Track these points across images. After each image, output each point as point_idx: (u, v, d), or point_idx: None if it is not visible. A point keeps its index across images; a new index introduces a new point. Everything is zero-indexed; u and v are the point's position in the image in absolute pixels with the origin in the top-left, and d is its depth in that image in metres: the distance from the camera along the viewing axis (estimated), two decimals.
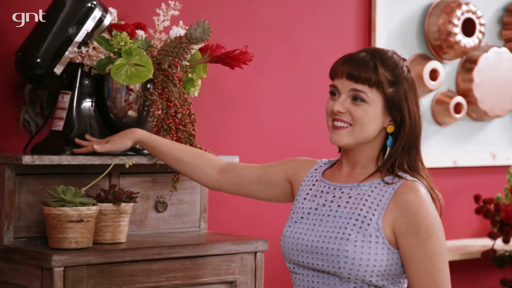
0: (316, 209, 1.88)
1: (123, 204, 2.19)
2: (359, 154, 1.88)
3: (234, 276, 2.26)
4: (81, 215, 2.06)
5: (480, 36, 3.37)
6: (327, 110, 1.89)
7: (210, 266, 2.22)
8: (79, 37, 2.25)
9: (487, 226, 3.49)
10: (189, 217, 2.44)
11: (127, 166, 2.20)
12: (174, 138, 2.29)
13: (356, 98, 1.83)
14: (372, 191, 1.83)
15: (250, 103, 2.90)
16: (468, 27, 3.35)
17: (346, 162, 1.91)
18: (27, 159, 2.10)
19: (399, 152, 1.85)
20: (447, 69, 3.41)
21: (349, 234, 1.79)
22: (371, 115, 1.83)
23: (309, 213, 1.89)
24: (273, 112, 2.95)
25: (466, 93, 3.42)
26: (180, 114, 2.29)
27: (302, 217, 1.89)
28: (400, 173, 1.84)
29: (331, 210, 1.86)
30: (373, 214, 1.79)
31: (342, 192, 1.87)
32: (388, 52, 1.87)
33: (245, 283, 2.28)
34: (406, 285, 1.85)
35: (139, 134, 2.19)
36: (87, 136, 2.25)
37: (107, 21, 2.29)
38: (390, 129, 1.86)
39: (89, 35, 2.27)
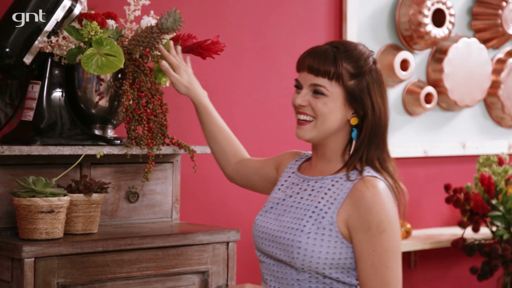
0: (284, 199, 1.91)
1: (94, 194, 2.18)
2: (325, 148, 1.89)
3: (206, 266, 2.26)
4: (52, 205, 2.05)
5: (450, 26, 3.39)
6: (292, 103, 1.90)
7: (182, 256, 2.22)
8: (49, 27, 2.23)
9: (457, 215, 3.52)
10: (161, 207, 2.44)
11: (98, 156, 2.19)
12: (146, 128, 2.28)
13: (316, 92, 1.84)
14: (333, 185, 1.84)
15: (221, 93, 2.89)
16: (438, 18, 3.37)
17: (315, 156, 1.93)
18: None
19: (365, 145, 1.85)
20: (417, 60, 3.43)
21: (304, 226, 1.81)
22: (331, 108, 1.83)
23: (277, 203, 1.92)
24: (245, 102, 2.96)
25: (437, 83, 3.44)
26: (152, 104, 2.29)
27: (271, 207, 1.92)
28: (366, 168, 1.83)
29: (294, 201, 1.88)
30: (329, 208, 1.81)
31: (308, 185, 1.89)
32: (353, 44, 1.86)
33: (217, 273, 2.28)
34: None
35: (198, 91, 2.23)
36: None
37: (77, 10, 2.27)
38: (354, 121, 1.86)
39: (58, 25, 2.25)
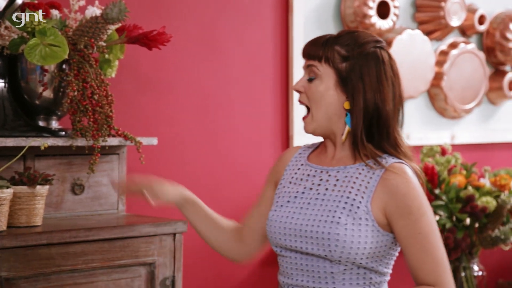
0: (303, 192, 1.86)
1: (38, 186, 2.15)
2: (336, 133, 1.86)
3: (153, 258, 2.26)
4: None
5: (395, 18, 3.44)
6: None
7: (129, 248, 2.21)
8: None
9: None
10: (107, 199, 2.42)
11: (42, 148, 2.16)
12: (91, 119, 2.26)
13: (310, 79, 1.85)
14: (359, 173, 1.83)
15: (168, 84, 2.88)
16: (383, 10, 3.41)
17: (329, 144, 1.90)
18: None
19: (360, 130, 1.82)
20: None
21: (339, 218, 1.78)
22: (323, 91, 1.83)
23: (295, 196, 1.86)
24: (191, 94, 2.95)
25: None
26: (97, 95, 2.26)
27: (288, 201, 1.87)
28: (385, 155, 1.82)
29: (318, 193, 1.84)
30: (362, 197, 1.79)
31: (329, 175, 1.86)
32: (355, 31, 1.86)
33: (164, 264, 2.28)
34: (392, 265, 1.87)
35: (187, 192, 2.04)
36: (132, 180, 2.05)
37: None
38: (346, 105, 1.83)
39: (1, 14, 2.21)
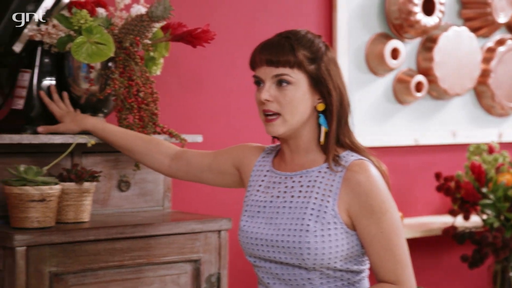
0: (271, 201, 1.86)
1: (85, 183, 2.17)
2: (298, 139, 1.86)
3: (198, 255, 2.26)
4: (43, 194, 2.04)
5: (440, 15, 3.40)
6: (257, 101, 1.86)
7: (174, 245, 2.22)
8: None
9: (448, 204, 3.53)
10: (152, 196, 2.44)
11: (89, 145, 2.18)
12: (137, 117, 2.27)
13: (281, 83, 1.81)
14: (323, 177, 1.82)
15: (212, 81, 2.89)
16: (428, 6, 3.38)
17: (288, 149, 1.89)
18: None
19: (334, 129, 1.83)
20: (408, 48, 3.43)
21: (308, 225, 1.77)
22: (299, 97, 1.81)
23: (264, 206, 1.87)
24: (236, 91, 2.95)
25: (427, 72, 3.45)
26: (142, 92, 2.28)
27: (258, 211, 1.87)
28: (345, 153, 1.83)
29: (285, 201, 1.84)
30: (328, 201, 1.79)
31: (294, 181, 1.85)
32: (302, 31, 1.85)
33: (209, 261, 2.28)
34: (367, 261, 1.85)
35: (90, 122, 2.19)
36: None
37: None
38: (321, 107, 1.83)
39: (48, 13, 2.24)
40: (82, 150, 2.28)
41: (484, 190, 3.24)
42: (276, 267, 1.83)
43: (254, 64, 1.86)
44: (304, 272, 1.79)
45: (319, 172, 1.83)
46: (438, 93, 3.51)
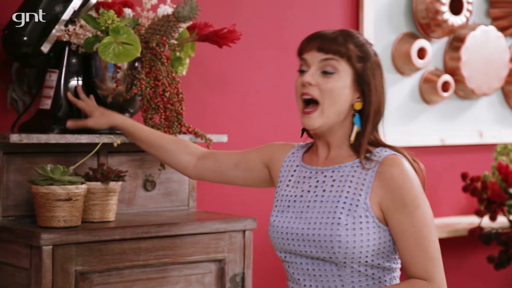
0: (302, 196, 1.86)
1: (111, 182, 2.19)
2: (332, 136, 1.86)
3: (223, 254, 2.27)
4: (70, 193, 2.06)
5: (468, 14, 3.37)
6: (296, 86, 1.86)
7: (199, 244, 2.23)
8: (66, 15, 2.24)
9: (474, 204, 3.51)
10: (177, 195, 2.45)
11: (115, 145, 2.19)
12: (163, 117, 2.28)
13: (326, 72, 1.82)
14: (355, 171, 1.82)
15: (238, 81, 2.90)
16: (456, 6, 3.35)
17: (321, 144, 1.89)
18: (14, 138, 2.10)
19: (369, 130, 1.84)
20: (434, 48, 3.41)
21: (339, 218, 1.77)
22: (341, 87, 1.82)
23: (294, 200, 1.86)
24: (261, 91, 2.95)
25: (454, 72, 3.42)
26: (168, 92, 2.29)
27: (288, 205, 1.87)
28: (377, 149, 1.83)
29: (316, 195, 1.84)
30: (360, 194, 1.79)
31: (325, 176, 1.85)
32: (357, 33, 1.88)
33: (234, 261, 2.29)
34: (399, 262, 1.85)
35: (119, 118, 2.19)
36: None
37: None
38: (358, 106, 1.84)
39: (76, 13, 2.26)
40: (108, 150, 2.29)
41: (511, 190, 3.22)
42: (307, 262, 1.82)
43: (303, 49, 1.86)
44: (334, 268, 1.79)
45: (352, 167, 1.83)
46: (465, 93, 3.48)
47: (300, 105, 1.85)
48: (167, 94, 2.29)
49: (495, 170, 3.30)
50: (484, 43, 3.45)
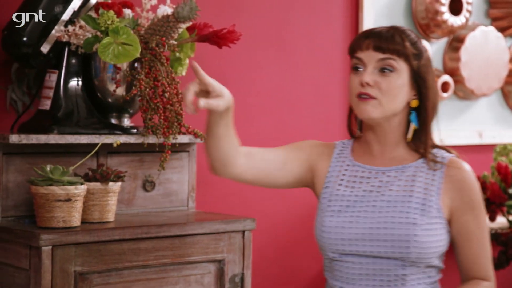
0: (363, 196, 1.82)
1: (110, 183, 2.19)
2: (387, 130, 1.84)
3: (222, 255, 2.27)
4: (69, 194, 2.06)
5: (467, 15, 3.37)
6: (352, 86, 1.81)
7: (199, 245, 2.23)
8: (66, 16, 2.24)
9: None
10: (177, 196, 2.45)
11: (114, 145, 2.19)
12: (162, 117, 2.28)
13: (384, 69, 1.80)
14: (421, 171, 1.82)
15: (238, 82, 2.89)
16: (455, 6, 3.35)
17: (376, 141, 1.86)
18: (14, 138, 2.10)
19: (431, 127, 1.86)
20: (434, 48, 3.41)
21: (414, 218, 1.77)
22: (400, 86, 1.81)
23: (355, 200, 1.82)
24: (261, 92, 2.95)
25: (453, 72, 3.42)
26: (168, 93, 2.29)
27: (347, 206, 1.82)
28: (434, 150, 1.85)
29: (383, 195, 1.81)
30: (432, 195, 1.80)
31: (389, 176, 1.84)
32: (407, 28, 1.88)
33: (233, 261, 2.29)
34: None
35: (232, 100, 1.85)
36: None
37: None
38: (415, 103, 1.84)
39: (75, 14, 2.26)
40: (107, 150, 2.29)
41: (511, 191, 3.22)
42: (368, 261, 1.79)
43: (358, 47, 1.83)
44: (400, 267, 1.79)
45: (416, 167, 1.84)
46: (464, 93, 3.48)
47: (354, 100, 1.82)
48: (166, 95, 2.29)
49: (494, 170, 3.30)
50: (483, 44, 3.45)
